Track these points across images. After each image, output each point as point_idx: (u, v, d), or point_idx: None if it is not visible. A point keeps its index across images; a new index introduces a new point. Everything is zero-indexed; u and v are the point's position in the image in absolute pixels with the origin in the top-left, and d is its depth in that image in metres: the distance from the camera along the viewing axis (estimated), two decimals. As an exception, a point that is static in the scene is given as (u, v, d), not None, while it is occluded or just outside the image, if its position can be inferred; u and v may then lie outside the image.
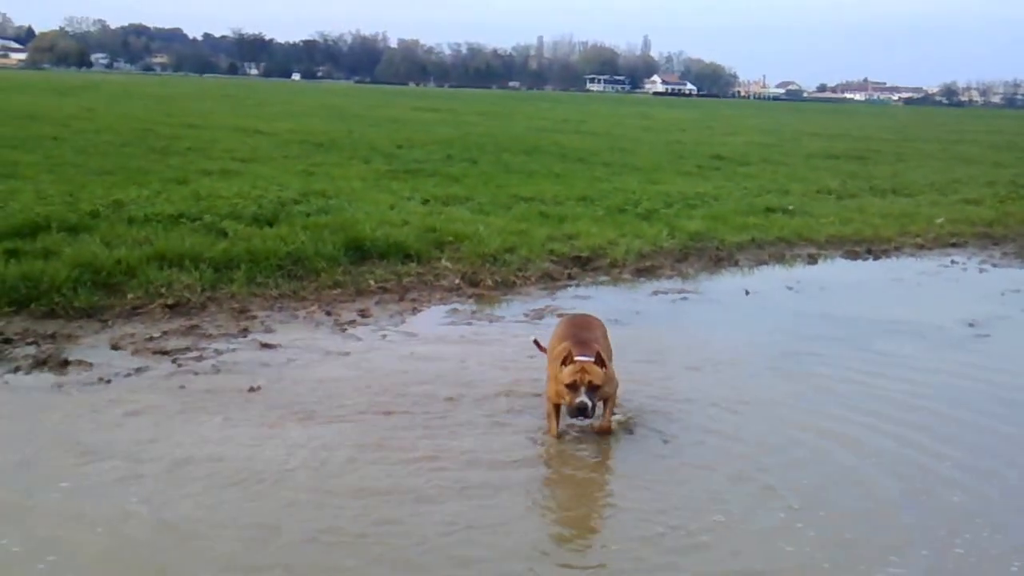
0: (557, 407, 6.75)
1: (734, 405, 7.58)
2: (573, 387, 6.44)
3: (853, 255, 14.60)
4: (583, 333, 7.12)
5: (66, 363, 7.88)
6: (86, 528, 5.19)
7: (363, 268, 11.44)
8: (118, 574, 4.84)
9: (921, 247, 15.45)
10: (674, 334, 9.76)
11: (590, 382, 6.43)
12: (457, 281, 11.33)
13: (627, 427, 6.99)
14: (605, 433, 6.82)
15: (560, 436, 6.75)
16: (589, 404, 6.41)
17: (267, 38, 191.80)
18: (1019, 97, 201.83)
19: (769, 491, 5.99)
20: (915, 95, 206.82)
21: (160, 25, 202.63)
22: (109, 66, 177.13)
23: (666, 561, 5.09)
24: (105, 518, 5.30)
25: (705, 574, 4.99)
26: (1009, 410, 7.73)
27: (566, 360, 6.57)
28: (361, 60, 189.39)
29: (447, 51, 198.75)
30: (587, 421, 6.69)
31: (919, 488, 6.11)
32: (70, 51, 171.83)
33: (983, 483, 6.24)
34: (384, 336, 9.18)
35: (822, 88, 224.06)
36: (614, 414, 6.97)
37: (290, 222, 12.82)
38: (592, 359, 6.55)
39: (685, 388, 7.91)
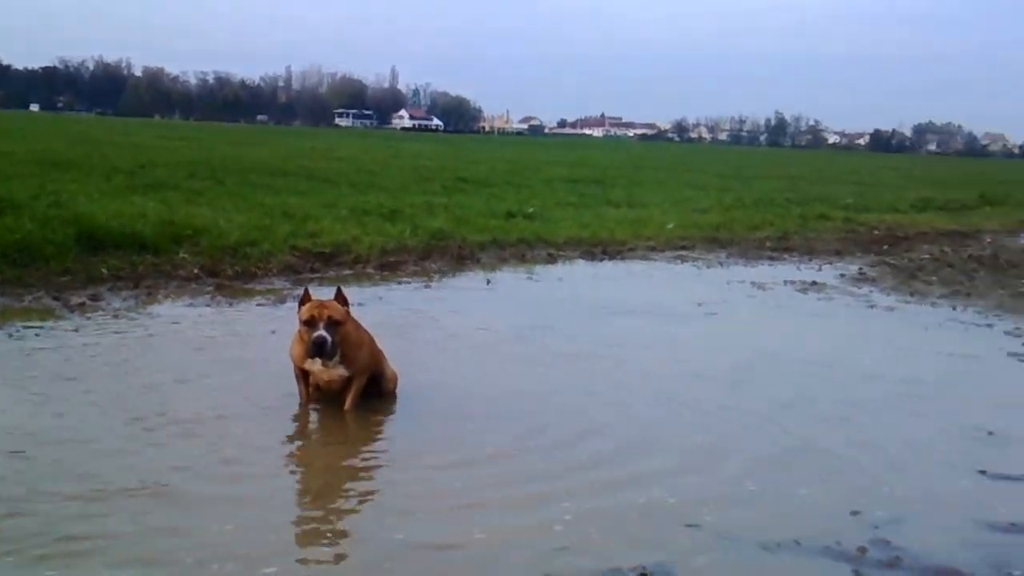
0: (305, 373, 6.52)
1: (471, 375, 7.78)
2: (310, 323, 6.23)
3: (590, 255, 15.16)
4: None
5: None
6: None
7: (96, 258, 10.98)
8: None
9: (653, 249, 16.24)
10: (415, 318, 9.85)
11: (329, 316, 6.23)
12: (196, 271, 11.08)
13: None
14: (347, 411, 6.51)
15: (309, 402, 6.59)
16: (328, 339, 6.16)
17: (4, 63, 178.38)
18: (744, 134, 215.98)
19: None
20: (649, 131, 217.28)
21: None
22: None
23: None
24: None
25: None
26: (732, 368, 8.37)
27: (303, 300, 6.40)
28: (104, 89, 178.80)
29: (193, 80, 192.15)
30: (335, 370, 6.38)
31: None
32: None
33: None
34: (115, 316, 8.86)
35: (562, 123, 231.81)
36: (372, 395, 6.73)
37: (17, 214, 12.13)
38: (331, 298, 6.42)
39: (427, 362, 8.00)
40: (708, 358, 8.67)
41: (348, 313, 6.45)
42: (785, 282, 13.37)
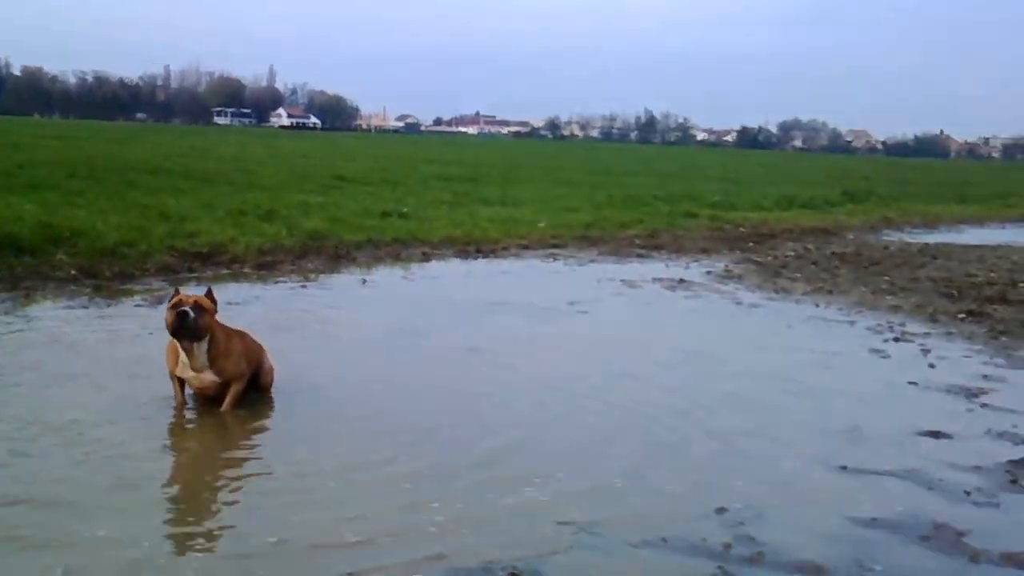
0: (181, 382, 6.56)
1: (347, 373, 7.79)
2: (176, 306, 6.24)
3: (464, 254, 15.24)
4: None
5: None
6: None
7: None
8: None
9: (526, 247, 16.39)
10: (292, 315, 9.80)
11: (195, 301, 6.30)
12: (73, 272, 10.96)
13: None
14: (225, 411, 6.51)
15: (184, 406, 6.56)
16: (190, 313, 6.19)
17: None
18: (614, 131, 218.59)
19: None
20: (523, 129, 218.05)
21: None
22: None
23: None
24: None
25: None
26: (601, 365, 8.52)
27: (173, 299, 6.39)
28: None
29: (73, 79, 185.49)
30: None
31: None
32: None
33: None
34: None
35: (438, 121, 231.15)
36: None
37: None
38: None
39: (302, 361, 7.95)
40: (578, 356, 8.84)
41: (215, 311, 6.48)
42: (654, 280, 13.63)
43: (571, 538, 4.80)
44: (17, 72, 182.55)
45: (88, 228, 12.66)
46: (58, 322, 8.81)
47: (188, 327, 6.20)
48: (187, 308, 6.19)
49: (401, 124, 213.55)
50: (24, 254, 11.34)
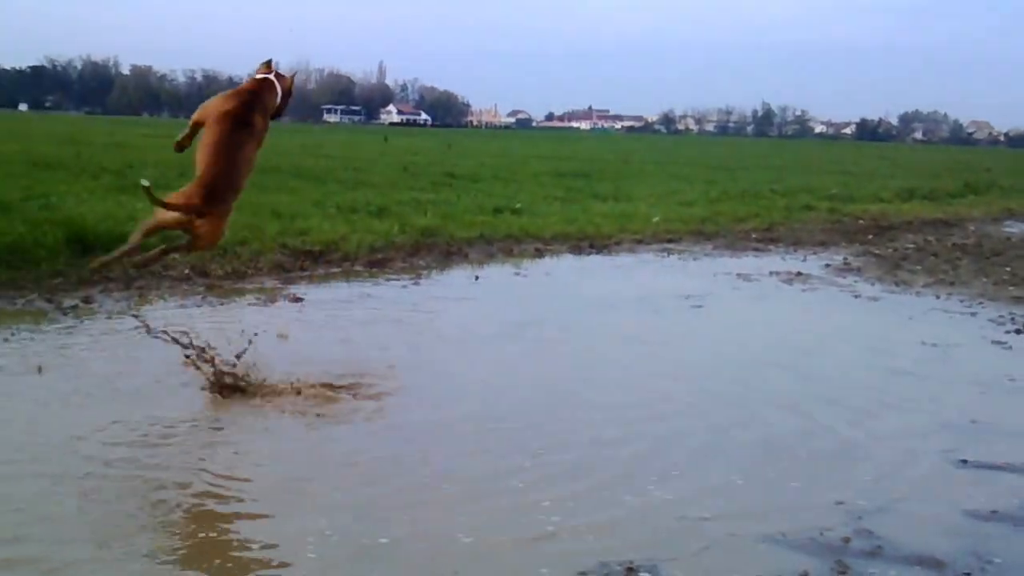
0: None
1: (460, 368, 7.86)
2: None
3: (577, 249, 15.22)
4: None
5: None
6: None
7: (86, 260, 10.95)
8: None
9: (640, 242, 16.30)
10: (406, 311, 9.92)
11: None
12: (187, 271, 11.09)
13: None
14: None
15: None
16: None
17: None
18: (731, 125, 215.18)
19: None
20: (636, 123, 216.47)
21: None
22: None
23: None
24: None
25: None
26: (719, 361, 8.52)
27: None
28: (92, 88, 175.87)
29: (182, 78, 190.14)
30: None
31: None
32: None
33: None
34: (109, 318, 8.91)
35: (550, 117, 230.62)
36: None
37: (8, 217, 12.14)
38: None
39: (412, 358, 8.07)
40: (694, 351, 8.81)
41: None
42: (770, 273, 13.46)
43: (690, 534, 4.80)
44: (126, 72, 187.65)
45: (200, 227, 12.87)
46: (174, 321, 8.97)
47: None
48: None
49: (512, 120, 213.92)
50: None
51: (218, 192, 6.20)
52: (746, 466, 5.77)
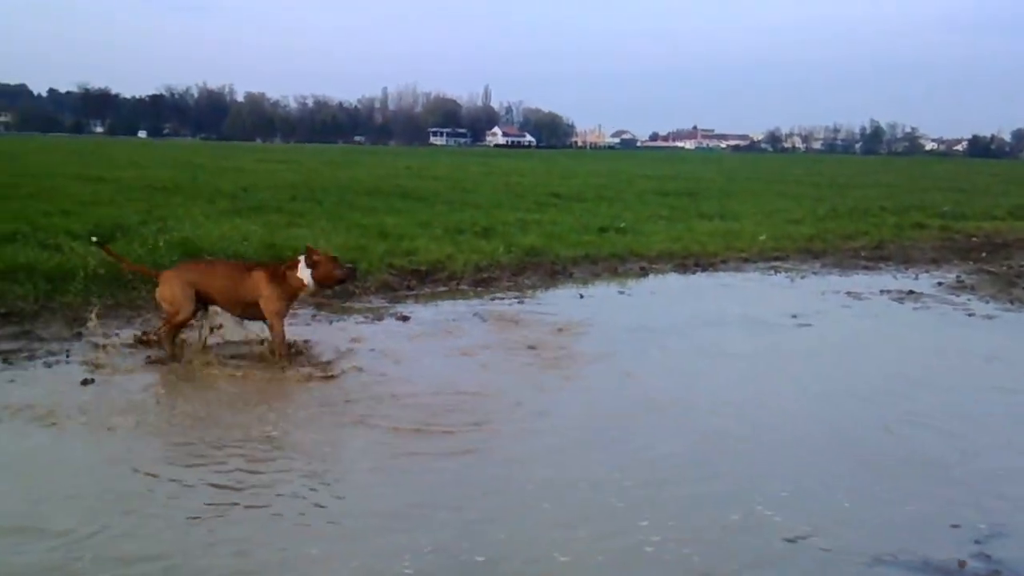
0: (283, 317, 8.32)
1: (562, 388, 7.88)
2: (334, 261, 8.45)
3: (683, 268, 15.11)
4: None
5: None
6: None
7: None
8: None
9: (746, 260, 16.13)
10: (512, 330, 9.98)
11: (334, 258, 8.59)
12: (296, 290, 11.30)
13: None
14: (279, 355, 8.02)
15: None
16: (353, 266, 8.85)
17: (113, 92, 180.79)
18: (839, 143, 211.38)
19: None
20: (742, 142, 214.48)
21: (5, 81, 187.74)
22: None
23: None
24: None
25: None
26: (830, 379, 8.36)
27: (309, 255, 8.32)
28: (208, 115, 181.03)
29: (293, 104, 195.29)
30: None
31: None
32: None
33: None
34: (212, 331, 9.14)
35: (654, 137, 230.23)
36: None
37: (128, 240, 12.59)
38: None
39: (516, 376, 8.09)
40: (802, 370, 8.68)
41: None
42: (881, 291, 13.21)
43: (798, 554, 4.75)
44: (241, 98, 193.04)
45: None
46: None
47: (355, 273, 8.75)
48: (349, 265, 8.67)
49: (617, 140, 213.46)
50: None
51: None
52: (857, 486, 5.67)
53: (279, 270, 8.25)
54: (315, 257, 8.28)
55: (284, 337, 8.19)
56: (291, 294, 8.27)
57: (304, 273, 8.25)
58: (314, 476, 5.62)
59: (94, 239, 9.20)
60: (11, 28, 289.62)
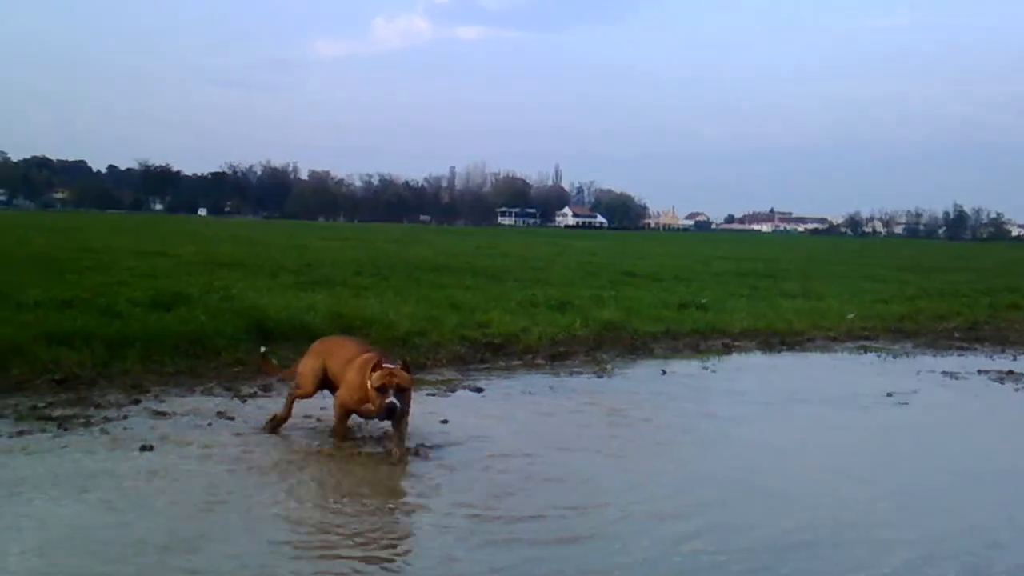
0: (349, 413, 7.58)
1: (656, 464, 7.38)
2: (383, 390, 7.06)
3: (767, 346, 14.52)
4: (372, 347, 8.03)
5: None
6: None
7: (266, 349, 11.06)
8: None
9: (834, 339, 15.50)
10: (601, 404, 9.58)
11: (398, 385, 7.09)
12: (365, 361, 10.98)
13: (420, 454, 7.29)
14: (400, 446, 7.22)
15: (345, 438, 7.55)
16: (397, 405, 7.03)
17: (174, 170, 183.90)
18: (921, 227, 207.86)
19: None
20: (820, 225, 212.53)
21: (64, 157, 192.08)
22: (8, 203, 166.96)
23: None
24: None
25: None
26: (929, 454, 7.84)
27: (376, 366, 7.18)
28: (270, 193, 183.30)
29: (358, 182, 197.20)
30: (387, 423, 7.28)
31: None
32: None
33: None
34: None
35: (730, 219, 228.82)
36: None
37: (190, 307, 12.39)
38: (399, 365, 7.24)
39: (608, 453, 7.63)
40: (907, 450, 8.23)
41: (413, 382, 7.44)
42: (979, 371, 12.59)
43: None
44: (304, 176, 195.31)
45: (380, 317, 12.93)
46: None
47: (395, 416, 7.14)
48: (394, 400, 7.03)
49: (691, 222, 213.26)
50: (316, 343, 11.61)
51: None
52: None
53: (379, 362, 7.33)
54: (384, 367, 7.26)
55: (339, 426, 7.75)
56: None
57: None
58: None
59: (263, 348, 9.14)
60: (71, 103, 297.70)
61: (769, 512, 6.27)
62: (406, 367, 7.30)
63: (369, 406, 7.25)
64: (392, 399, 7.01)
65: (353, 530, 5.65)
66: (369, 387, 7.19)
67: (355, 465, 7.09)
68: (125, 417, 8.05)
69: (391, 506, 6.24)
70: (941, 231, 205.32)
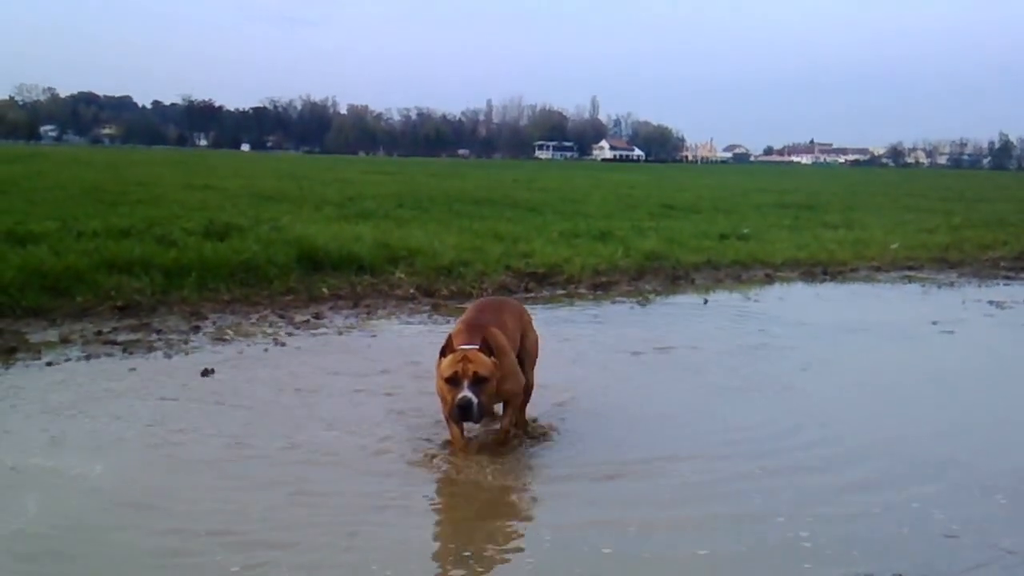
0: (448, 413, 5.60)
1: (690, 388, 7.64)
2: (453, 380, 5.34)
3: (810, 276, 14.55)
4: (484, 316, 5.92)
5: (14, 350, 7.73)
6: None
7: (316, 277, 11.32)
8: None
9: (878, 269, 15.49)
10: (638, 330, 9.71)
11: (475, 373, 5.31)
12: (412, 291, 11.26)
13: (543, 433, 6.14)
14: (502, 443, 5.76)
15: (466, 447, 5.67)
16: (474, 401, 5.24)
17: (217, 104, 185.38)
18: (965, 157, 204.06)
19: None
20: (861, 156, 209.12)
21: (110, 93, 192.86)
22: (58, 138, 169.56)
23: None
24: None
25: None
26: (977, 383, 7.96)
27: (446, 348, 5.51)
28: (311, 127, 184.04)
29: (396, 117, 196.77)
30: (475, 426, 5.64)
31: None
32: (19, 122, 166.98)
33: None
34: (340, 333, 9.04)
35: (769, 151, 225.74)
36: (516, 424, 5.93)
37: (242, 236, 12.65)
38: (477, 347, 5.44)
39: (650, 384, 7.79)
40: (958, 374, 8.30)
41: (495, 366, 5.46)
42: (1025, 301, 12.53)
43: (963, 551, 4.55)
44: (343, 111, 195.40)
45: (425, 248, 13.13)
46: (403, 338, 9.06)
47: (472, 416, 5.34)
48: (468, 394, 5.25)
49: (729, 155, 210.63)
50: (364, 272, 11.87)
51: None
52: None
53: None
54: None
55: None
56: None
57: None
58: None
59: None
60: (116, 41, 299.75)
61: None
62: (487, 347, 5.48)
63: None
64: (467, 392, 5.27)
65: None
66: (437, 378, 5.55)
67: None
68: (186, 342, 8.31)
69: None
70: (986, 161, 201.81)
